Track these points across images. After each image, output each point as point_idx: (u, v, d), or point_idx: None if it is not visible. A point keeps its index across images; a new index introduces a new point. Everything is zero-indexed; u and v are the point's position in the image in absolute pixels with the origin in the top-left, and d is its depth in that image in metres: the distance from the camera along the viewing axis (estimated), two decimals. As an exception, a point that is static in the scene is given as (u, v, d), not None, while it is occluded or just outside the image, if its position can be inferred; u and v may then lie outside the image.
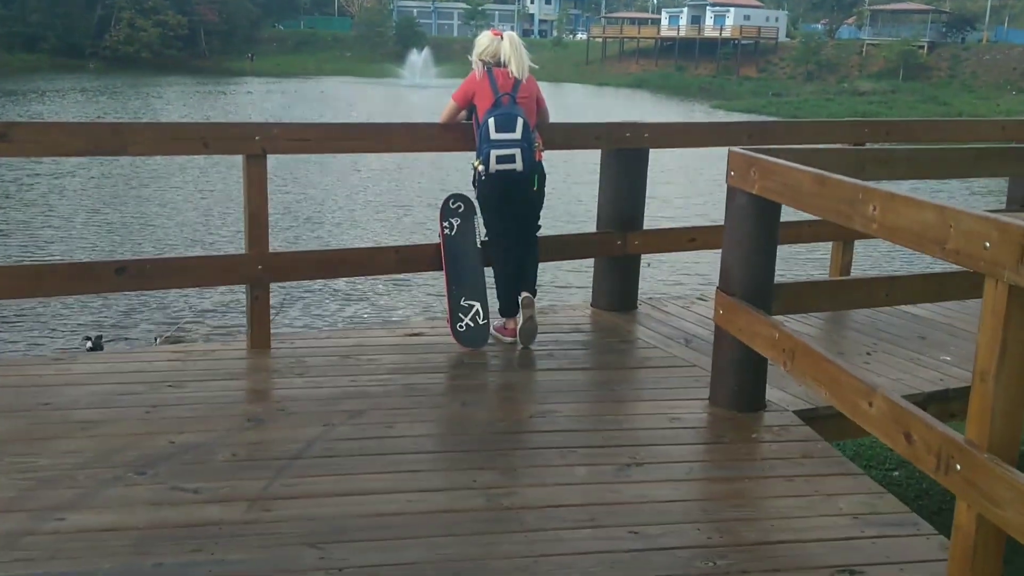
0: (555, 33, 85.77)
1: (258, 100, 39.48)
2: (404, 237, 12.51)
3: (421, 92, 44.97)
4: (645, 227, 5.59)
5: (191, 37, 70.98)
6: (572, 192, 15.49)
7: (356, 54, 74.68)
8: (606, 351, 4.97)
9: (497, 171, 4.65)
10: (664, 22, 76.40)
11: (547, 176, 4.98)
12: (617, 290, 5.65)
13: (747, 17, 69.91)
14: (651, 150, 5.47)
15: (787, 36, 70.87)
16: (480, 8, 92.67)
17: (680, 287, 9.98)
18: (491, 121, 4.61)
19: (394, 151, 5.17)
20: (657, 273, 10.03)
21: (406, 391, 4.21)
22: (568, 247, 5.54)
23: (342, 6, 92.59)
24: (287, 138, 4.62)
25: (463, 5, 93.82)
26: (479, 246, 5.05)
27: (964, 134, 6.80)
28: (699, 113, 41.03)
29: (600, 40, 75.48)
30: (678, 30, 72.47)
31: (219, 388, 4.16)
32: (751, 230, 3.97)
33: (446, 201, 5.07)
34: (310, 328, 7.64)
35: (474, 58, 4.85)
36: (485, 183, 4.79)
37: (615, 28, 77.74)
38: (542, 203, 5.03)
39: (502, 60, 4.79)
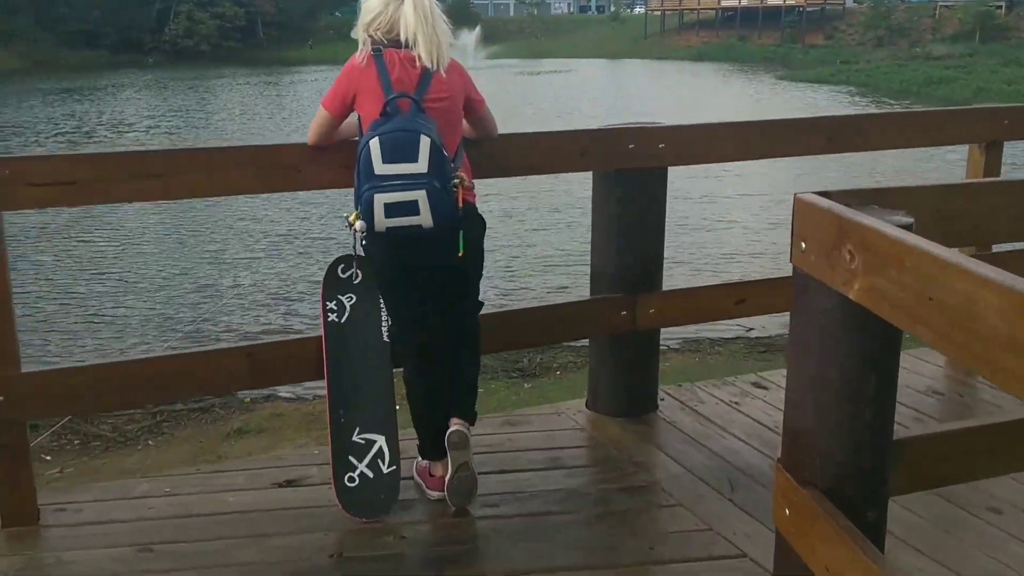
0: (612, 8, 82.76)
1: (306, 90, 37.87)
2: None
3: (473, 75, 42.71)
4: (664, 283, 3.59)
5: (249, 28, 70.43)
6: (544, 233, 11.42)
7: (411, 37, 72.71)
8: (603, 525, 2.93)
9: (389, 229, 2.67)
10: (725, -9, 73.08)
11: (487, 225, 3.00)
12: (625, 385, 3.65)
13: (812, -18, 66.31)
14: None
15: (855, 1, 67.06)
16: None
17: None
18: (375, 144, 2.63)
19: (225, 193, 3.16)
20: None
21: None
22: (541, 326, 3.49)
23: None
24: (30, 182, 2.71)
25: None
26: (386, 339, 3.10)
27: None
28: (764, 84, 38.29)
29: (659, 13, 72.44)
30: (740, -1, 69.17)
31: None
32: (844, 364, 1.94)
33: (332, 268, 3.11)
34: (123, 472, 4.57)
35: (359, 33, 2.87)
36: (373, 247, 2.84)
37: (673, 0, 74.61)
38: (479, 270, 3.04)
39: (403, 37, 2.80)
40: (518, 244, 10.79)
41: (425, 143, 2.62)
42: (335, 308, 3.09)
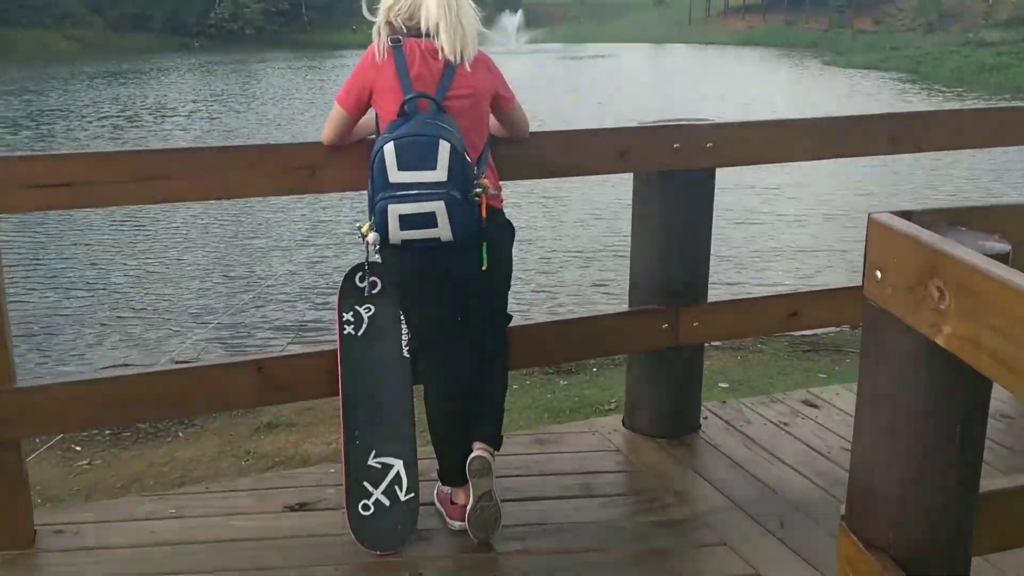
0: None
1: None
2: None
3: (513, 59, 42.26)
4: (710, 294, 3.31)
5: (293, 12, 70.58)
6: (579, 235, 10.66)
7: (453, 21, 72.53)
8: (639, 566, 2.66)
9: (405, 241, 2.43)
10: (772, -26, 71.74)
11: (516, 230, 2.75)
12: (665, 403, 3.38)
13: (863, -34, 64.78)
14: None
15: (906, -15, 65.45)
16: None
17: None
18: (389, 149, 2.39)
19: (234, 196, 2.92)
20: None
21: None
22: (575, 341, 3.22)
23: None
24: (24, 183, 2.50)
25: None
26: (405, 355, 2.86)
27: None
28: (811, 70, 37.46)
29: (704, -3, 71.36)
30: (787, -18, 67.82)
31: None
32: (924, 416, 1.66)
33: (349, 276, 2.87)
34: (152, 464, 4.58)
35: (379, 22, 2.62)
36: (389, 258, 2.60)
37: (719, -16, 73.43)
38: (507, 282, 2.79)
39: (424, 25, 2.55)
40: (558, 236, 10.51)
41: (444, 148, 2.37)
42: (352, 320, 2.85)
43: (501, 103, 2.66)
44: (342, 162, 2.73)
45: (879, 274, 1.68)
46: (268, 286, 8.98)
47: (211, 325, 7.97)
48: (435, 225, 2.37)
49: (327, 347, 2.92)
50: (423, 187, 2.36)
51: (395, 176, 2.37)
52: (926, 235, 1.55)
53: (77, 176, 2.57)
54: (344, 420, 2.79)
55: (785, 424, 3.49)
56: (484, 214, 2.45)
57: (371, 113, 2.63)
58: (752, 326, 3.47)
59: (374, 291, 2.85)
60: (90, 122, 21.82)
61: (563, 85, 29.26)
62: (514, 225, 2.76)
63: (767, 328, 3.55)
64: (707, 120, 3.17)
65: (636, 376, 3.40)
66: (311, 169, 2.73)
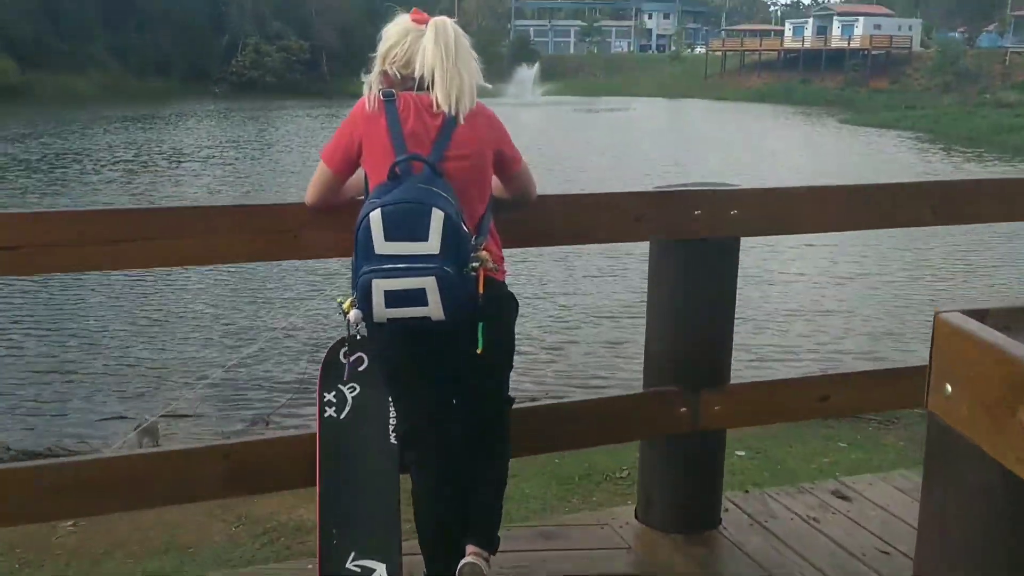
0: (673, 48, 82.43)
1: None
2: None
3: (528, 111, 42.36)
4: (732, 374, 3.00)
5: (312, 61, 71.35)
6: (593, 291, 10.25)
7: (471, 74, 73.46)
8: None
9: (391, 320, 2.15)
10: (788, 33, 72.29)
11: (528, 285, 2.46)
12: (682, 495, 3.05)
13: (878, 26, 65.26)
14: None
15: (921, 46, 65.68)
16: (596, 24, 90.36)
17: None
18: (375, 217, 2.11)
19: (208, 262, 2.63)
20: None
21: None
22: (583, 425, 2.90)
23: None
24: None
25: (579, 22, 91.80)
26: (392, 442, 2.56)
27: None
28: (829, 127, 37.39)
29: (720, 54, 71.86)
30: (803, 41, 68.30)
31: None
32: (1009, 564, 1.35)
33: (333, 352, 2.59)
34: (138, 528, 4.25)
35: (374, 72, 2.35)
36: (375, 339, 2.32)
37: (735, 41, 74.00)
38: (508, 362, 2.49)
39: (419, 72, 2.29)
40: (571, 292, 10.23)
41: (437, 218, 2.08)
42: (334, 400, 2.56)
43: (505, 163, 2.38)
44: (329, 225, 2.44)
45: (948, 387, 1.37)
46: (269, 339, 8.74)
47: (209, 379, 7.72)
48: (425, 303, 2.08)
49: (304, 432, 2.62)
50: (412, 260, 2.08)
51: (381, 247, 2.09)
52: (1014, 347, 1.25)
53: (26, 239, 2.28)
54: (321, 515, 2.49)
55: (815, 519, 3.15)
56: (481, 289, 2.16)
57: (360, 172, 2.37)
58: (780, 411, 3.14)
59: (359, 369, 2.57)
60: (103, 166, 21.85)
61: (578, 136, 29.26)
62: (523, 285, 2.49)
63: (796, 414, 3.24)
64: (731, 185, 2.89)
65: (650, 464, 3.08)
66: (292, 232, 2.46)
